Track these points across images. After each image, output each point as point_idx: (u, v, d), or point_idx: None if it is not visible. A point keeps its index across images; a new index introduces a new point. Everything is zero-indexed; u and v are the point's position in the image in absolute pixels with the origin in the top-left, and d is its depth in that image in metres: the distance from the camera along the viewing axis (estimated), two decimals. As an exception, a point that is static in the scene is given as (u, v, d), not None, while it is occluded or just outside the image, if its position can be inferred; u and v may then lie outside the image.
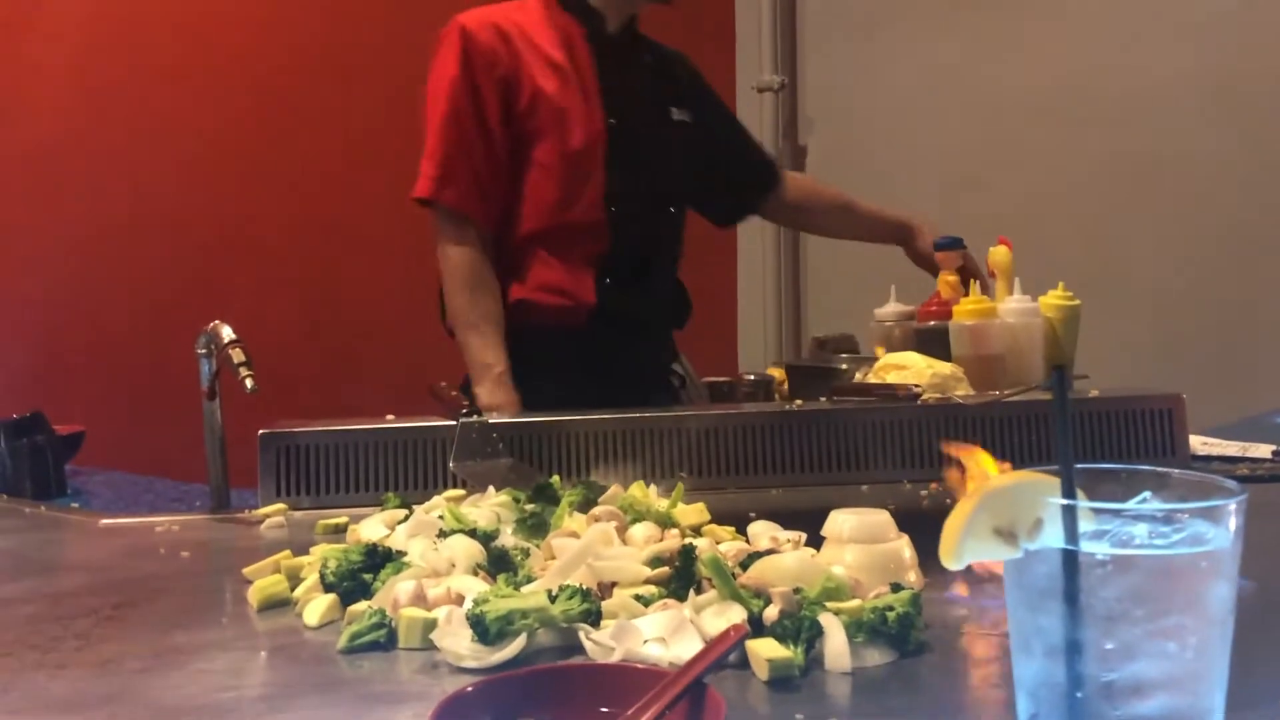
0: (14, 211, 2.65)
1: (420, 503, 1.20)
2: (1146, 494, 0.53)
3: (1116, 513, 0.50)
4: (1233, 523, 0.50)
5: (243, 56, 2.96)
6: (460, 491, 1.29)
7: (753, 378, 2.18)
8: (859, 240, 2.26)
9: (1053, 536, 0.50)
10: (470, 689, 0.59)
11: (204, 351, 1.40)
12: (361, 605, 0.89)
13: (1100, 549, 0.49)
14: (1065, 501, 0.50)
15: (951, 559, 0.52)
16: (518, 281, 1.85)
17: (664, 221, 1.97)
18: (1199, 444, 1.59)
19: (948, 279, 1.96)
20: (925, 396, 1.53)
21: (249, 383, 1.32)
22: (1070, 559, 0.49)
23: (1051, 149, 3.30)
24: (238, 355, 1.35)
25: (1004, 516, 0.51)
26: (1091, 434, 1.46)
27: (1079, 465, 0.52)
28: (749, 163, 2.17)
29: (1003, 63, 3.42)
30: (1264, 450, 1.55)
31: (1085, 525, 0.50)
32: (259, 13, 2.98)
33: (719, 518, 1.13)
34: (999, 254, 1.90)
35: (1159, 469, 0.54)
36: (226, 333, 1.37)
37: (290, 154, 2.98)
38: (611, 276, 1.86)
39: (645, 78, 1.96)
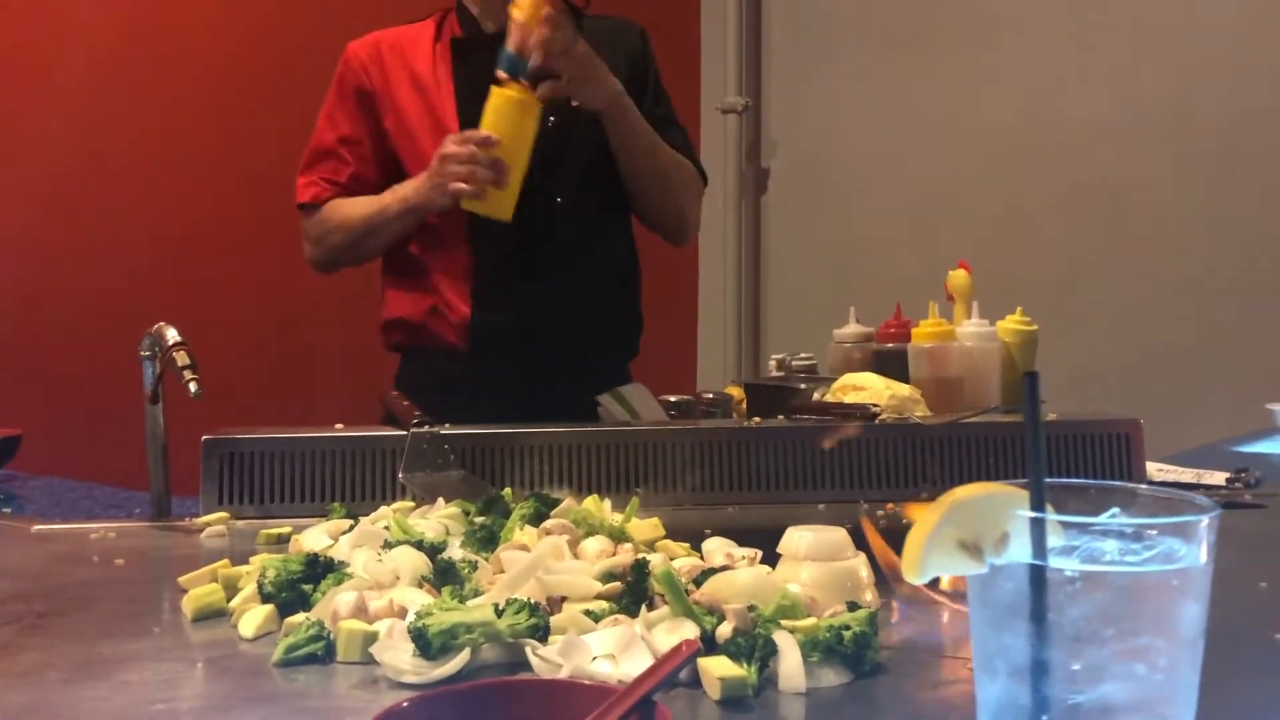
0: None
1: (367, 514, 1.17)
2: (1115, 510, 0.52)
3: (1086, 527, 0.49)
4: (1205, 540, 0.48)
5: (195, 55, 2.91)
6: (409, 503, 1.25)
7: (711, 396, 2.16)
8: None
9: (1020, 551, 0.48)
10: (406, 704, 0.56)
11: (147, 354, 1.35)
12: (299, 617, 0.86)
13: (1069, 565, 0.47)
14: (1034, 515, 0.48)
15: (914, 572, 0.49)
16: (396, 297, 1.84)
17: (547, 220, 1.80)
18: (1154, 470, 1.59)
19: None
20: (883, 417, 1.52)
21: (193, 387, 1.28)
22: (1038, 575, 0.47)
23: (1010, 175, 3.33)
24: (182, 358, 1.30)
25: (969, 529, 0.49)
26: (1049, 457, 1.45)
27: (1048, 481, 0.50)
28: None
29: (963, 91, 3.45)
30: (1218, 477, 1.55)
31: (1053, 540, 0.48)
32: (212, 13, 2.94)
33: (673, 534, 1.11)
34: (958, 278, 1.90)
35: (1128, 485, 0.53)
36: (171, 335, 1.32)
37: (239, 153, 2.93)
38: (485, 292, 1.78)
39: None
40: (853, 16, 3.75)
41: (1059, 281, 3.15)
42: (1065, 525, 0.48)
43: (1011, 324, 1.81)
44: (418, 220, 1.76)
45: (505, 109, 1.66)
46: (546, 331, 1.80)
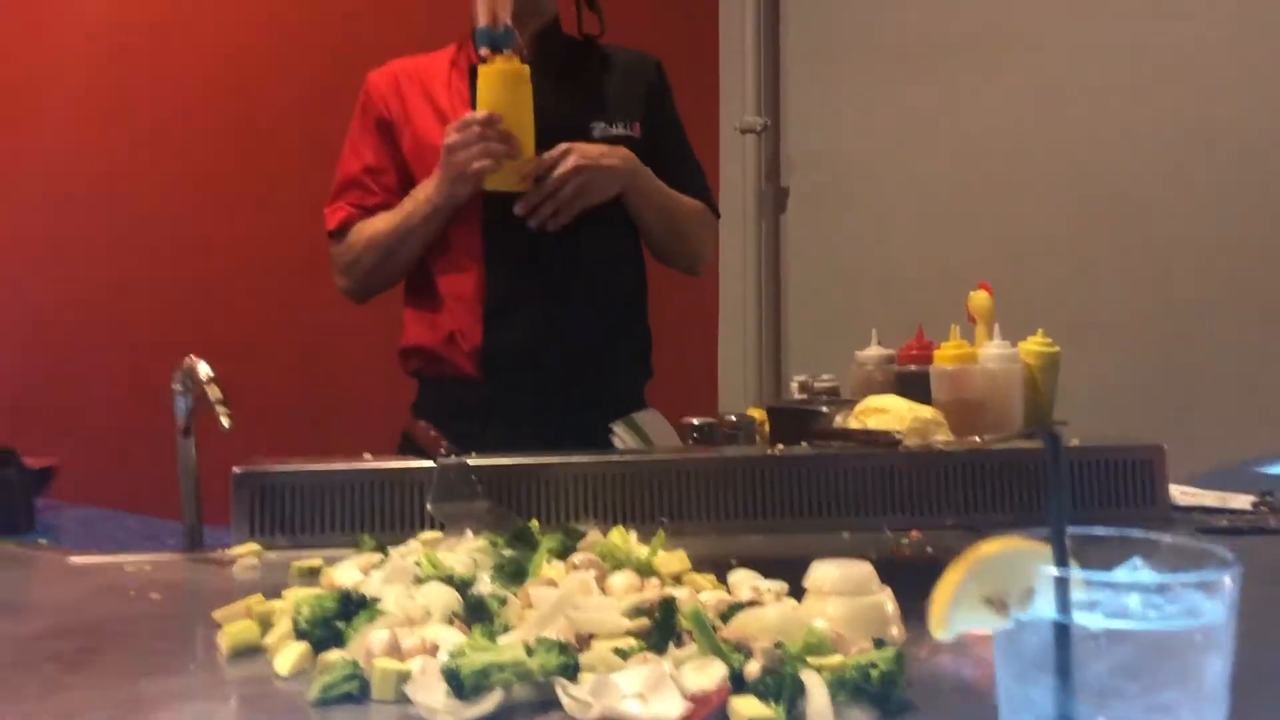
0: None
1: (397, 544, 1.18)
2: (1136, 561, 0.53)
3: (1109, 583, 0.50)
4: (1228, 594, 0.49)
5: (226, 87, 2.95)
6: (437, 533, 1.27)
7: (734, 419, 2.17)
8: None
9: (1044, 606, 0.49)
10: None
11: (180, 388, 1.38)
12: (334, 655, 0.87)
13: (1093, 621, 0.48)
14: (1058, 572, 0.49)
15: (940, 629, 0.51)
16: (414, 324, 1.88)
17: (557, 250, 1.81)
18: (1178, 493, 1.59)
19: None
20: (906, 442, 1.53)
21: (225, 421, 1.30)
22: (1062, 631, 0.48)
23: (1031, 194, 3.33)
24: (214, 392, 1.33)
25: (994, 585, 0.50)
26: (1071, 484, 1.45)
27: (1070, 531, 0.51)
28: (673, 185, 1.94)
29: (981, 108, 3.45)
30: (1243, 501, 1.55)
31: (1077, 595, 0.49)
32: (245, 42, 2.98)
33: (698, 564, 1.12)
34: (979, 299, 1.90)
35: (1149, 535, 0.54)
36: (203, 369, 1.35)
37: (269, 183, 2.97)
38: (496, 317, 1.81)
39: (552, 95, 1.79)
40: (870, 34, 3.77)
41: (1079, 300, 3.15)
42: (1089, 580, 0.49)
43: (1034, 345, 1.82)
44: (442, 221, 1.79)
45: (497, 83, 1.68)
46: (556, 355, 1.83)
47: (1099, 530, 0.54)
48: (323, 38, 3.09)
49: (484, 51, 1.71)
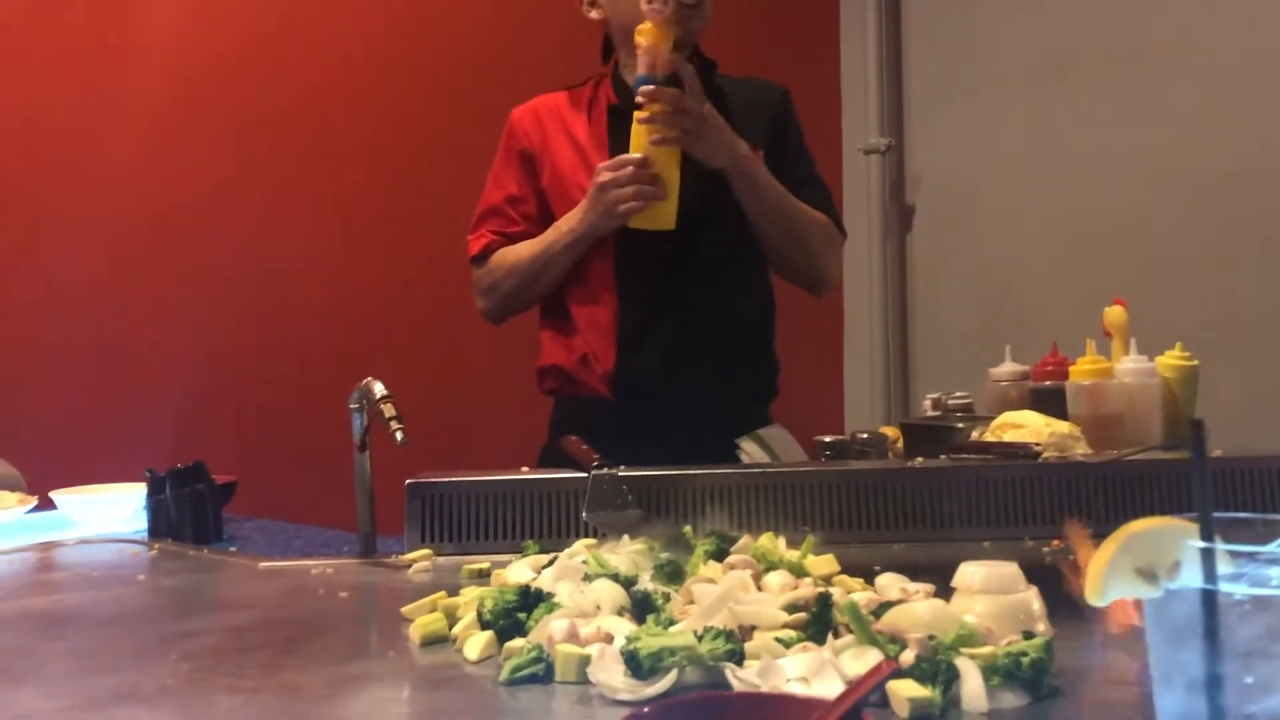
0: (170, 268, 2.84)
1: (553, 550, 1.27)
2: (1280, 541, 0.57)
3: (1252, 556, 0.54)
4: (1365, 566, 0.53)
5: (375, 132, 3.14)
6: (593, 540, 1.35)
7: (866, 436, 2.20)
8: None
9: (1191, 577, 0.54)
10: (648, 709, 0.65)
11: (356, 406, 1.49)
12: (519, 641, 0.96)
13: (1238, 589, 0.53)
14: (1204, 545, 0.54)
15: (1096, 596, 0.56)
16: (550, 344, 1.98)
17: (686, 281, 1.92)
18: (1327, 505, 1.57)
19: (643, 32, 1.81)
20: (1045, 455, 1.55)
21: (399, 436, 1.41)
22: (1209, 599, 0.53)
23: (1163, 208, 3.28)
24: (389, 410, 1.43)
25: (1145, 558, 0.55)
26: (1215, 494, 1.46)
27: (1216, 515, 0.56)
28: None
29: (1110, 121, 3.42)
30: (1396, 512, 1.53)
31: (1223, 568, 0.54)
32: (388, 87, 3.16)
33: (845, 569, 1.17)
34: (1114, 314, 1.91)
35: (1293, 519, 0.58)
36: (378, 388, 1.46)
37: (419, 216, 3.14)
38: (628, 344, 1.90)
39: None
40: (995, 51, 3.76)
41: (1221, 312, 3.09)
42: (1233, 554, 0.54)
43: (1171, 359, 1.82)
44: (582, 250, 1.90)
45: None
46: (686, 380, 1.91)
47: (1245, 515, 0.59)
48: (466, 80, 3.26)
49: (641, 99, 1.81)
